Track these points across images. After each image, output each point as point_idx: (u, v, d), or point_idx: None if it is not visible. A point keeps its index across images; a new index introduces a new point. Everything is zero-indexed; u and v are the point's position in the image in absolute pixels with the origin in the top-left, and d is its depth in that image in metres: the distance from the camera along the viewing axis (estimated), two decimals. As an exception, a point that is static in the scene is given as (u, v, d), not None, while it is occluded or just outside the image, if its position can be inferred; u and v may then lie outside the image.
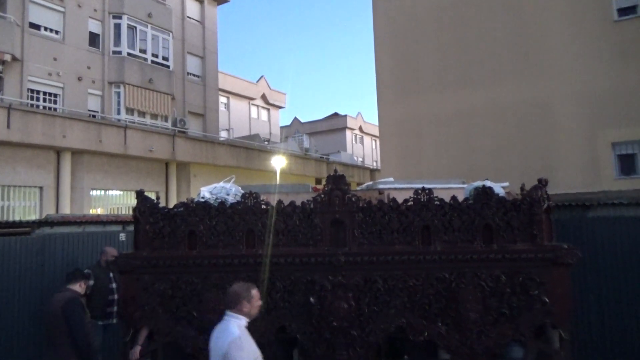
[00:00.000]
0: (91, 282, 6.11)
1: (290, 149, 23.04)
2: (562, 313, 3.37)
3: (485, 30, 13.20)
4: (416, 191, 3.39)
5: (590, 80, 11.81)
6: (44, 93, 15.20)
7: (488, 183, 3.71)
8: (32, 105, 14.42)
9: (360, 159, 36.20)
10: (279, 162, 18.38)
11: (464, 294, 3.26)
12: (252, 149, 19.90)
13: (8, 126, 12.16)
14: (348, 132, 37.63)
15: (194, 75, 20.85)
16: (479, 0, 13.43)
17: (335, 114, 39.42)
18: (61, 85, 15.49)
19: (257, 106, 30.59)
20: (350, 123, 37.94)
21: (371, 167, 30.67)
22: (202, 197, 3.69)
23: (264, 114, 31.27)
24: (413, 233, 3.37)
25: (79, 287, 4.40)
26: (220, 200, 3.52)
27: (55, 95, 15.46)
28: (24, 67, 14.45)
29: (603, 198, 6.52)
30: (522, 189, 3.63)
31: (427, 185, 3.54)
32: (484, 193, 3.43)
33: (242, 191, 3.68)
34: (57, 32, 15.66)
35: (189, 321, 3.41)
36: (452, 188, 4.23)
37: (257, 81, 30.75)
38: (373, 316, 3.28)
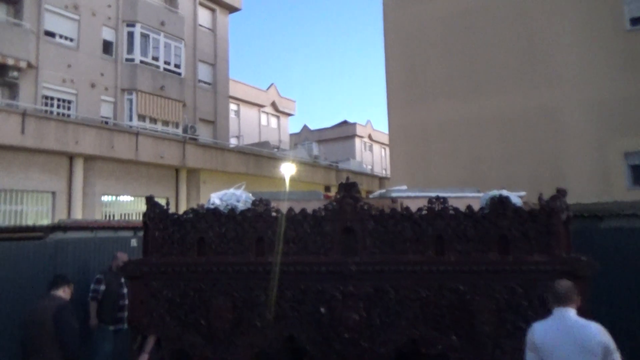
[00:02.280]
0: (102, 287, 6.16)
1: (299, 156, 23.06)
2: (579, 327, 3.26)
3: (494, 38, 13.15)
4: (430, 200, 3.32)
5: (601, 89, 11.69)
6: (58, 99, 15.40)
7: (505, 192, 3.63)
8: (46, 111, 14.60)
9: (369, 167, 36.15)
10: (288, 170, 18.37)
11: (478, 306, 3.17)
12: (261, 156, 19.95)
13: (22, 132, 12.31)
14: (357, 140, 37.65)
15: (205, 82, 21.02)
16: (489, 9, 13.39)
17: (345, 122, 39.49)
18: (75, 91, 15.69)
19: (267, 113, 30.74)
20: (359, 131, 37.97)
21: (380, 175, 30.59)
22: (212, 204, 3.65)
23: (273, 122, 31.41)
24: (426, 243, 3.29)
25: (62, 293, 4.31)
26: (230, 207, 3.48)
27: (69, 102, 15.66)
28: (38, 74, 14.66)
29: (615, 209, 6.43)
30: (540, 198, 3.54)
31: (441, 194, 3.47)
32: (500, 203, 3.35)
33: (253, 198, 3.63)
34: (71, 40, 15.89)
35: (197, 329, 3.35)
36: (467, 197, 4.15)
37: (267, 89, 30.93)
38: (384, 327, 3.20)
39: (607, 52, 11.72)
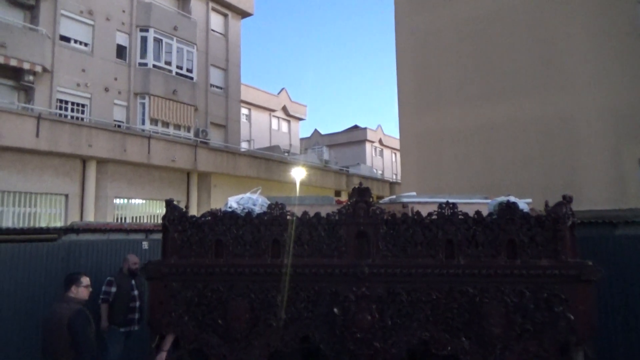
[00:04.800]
0: (113, 289, 6.24)
1: (310, 160, 23.14)
2: (586, 330, 3.34)
3: (507, 44, 13.13)
4: (440, 205, 3.42)
5: (616, 95, 11.59)
6: (72, 103, 15.65)
7: (512, 198, 3.72)
8: (60, 115, 14.85)
9: (380, 172, 36.11)
10: (298, 174, 18.47)
11: (487, 309, 3.25)
12: (272, 160, 20.07)
13: (37, 135, 12.54)
14: (368, 145, 37.67)
15: (217, 87, 21.22)
16: (501, 15, 13.37)
17: (355, 127, 39.53)
18: (89, 95, 15.94)
19: (278, 118, 30.90)
20: (370, 136, 37.99)
21: (391, 180, 30.59)
22: (230, 207, 3.76)
23: (284, 126, 31.56)
24: (437, 247, 3.39)
25: (73, 293, 4.29)
26: (247, 211, 3.59)
27: (83, 106, 15.91)
28: (53, 78, 14.92)
29: (630, 216, 6.40)
30: (546, 205, 3.62)
31: (450, 200, 3.57)
32: (508, 208, 3.44)
33: (268, 202, 3.75)
34: (86, 45, 16.16)
35: (214, 329, 3.45)
36: (475, 203, 4.24)
37: (278, 93, 31.10)
38: (396, 328, 3.29)
39: (622, 58, 11.61)
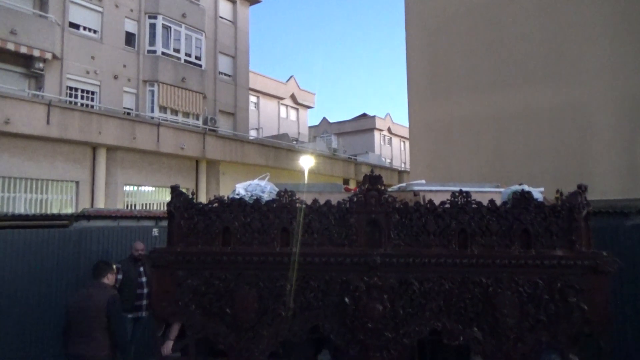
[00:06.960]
0: (120, 276, 6.29)
1: (318, 149, 23.08)
2: (600, 322, 3.27)
3: (520, 32, 12.88)
4: (453, 194, 3.34)
5: (630, 84, 11.36)
6: (82, 90, 15.68)
7: (526, 188, 3.64)
8: (70, 102, 14.89)
9: (388, 160, 35.98)
10: (307, 162, 18.43)
11: (501, 299, 3.19)
12: (280, 148, 20.04)
13: (48, 122, 12.59)
14: (376, 133, 37.51)
15: (225, 74, 21.14)
16: (514, 2, 13.13)
17: (364, 115, 39.34)
18: (98, 83, 15.97)
19: (286, 106, 30.80)
20: (378, 124, 37.81)
21: (399, 169, 30.44)
22: (237, 194, 3.69)
23: (292, 114, 31.46)
24: (449, 236, 3.31)
25: (107, 280, 4.58)
26: (255, 198, 3.52)
27: (93, 93, 15.94)
28: (63, 65, 14.94)
29: (642, 206, 6.34)
30: (560, 194, 3.53)
31: (462, 189, 3.48)
32: (523, 197, 3.35)
33: (277, 189, 3.67)
34: (95, 32, 16.14)
35: (221, 318, 3.40)
36: (487, 192, 4.15)
37: (287, 81, 30.94)
38: (408, 318, 3.24)
39: (637, 45, 11.38)
